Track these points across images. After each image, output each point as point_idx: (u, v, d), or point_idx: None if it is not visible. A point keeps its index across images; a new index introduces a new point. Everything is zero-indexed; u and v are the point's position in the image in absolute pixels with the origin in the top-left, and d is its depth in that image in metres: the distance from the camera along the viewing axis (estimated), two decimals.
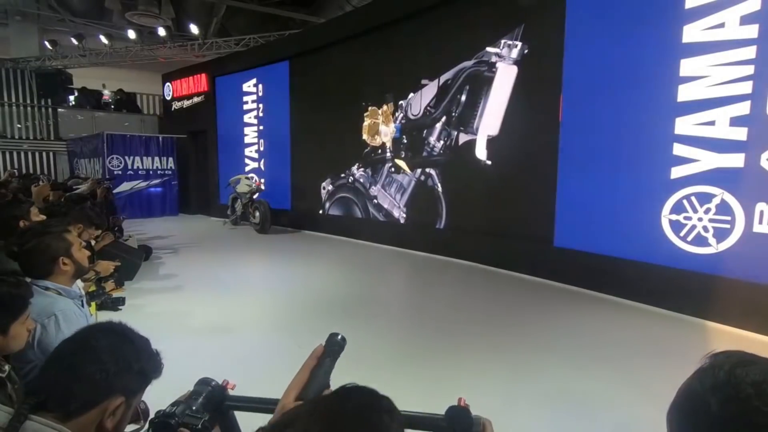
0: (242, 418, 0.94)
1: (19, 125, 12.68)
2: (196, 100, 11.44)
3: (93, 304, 3.15)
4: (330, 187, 8.34)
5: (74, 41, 12.19)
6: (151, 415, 1.85)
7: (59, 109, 13.17)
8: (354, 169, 7.87)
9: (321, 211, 8.47)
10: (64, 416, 0.85)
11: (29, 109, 12.79)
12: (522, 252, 5.39)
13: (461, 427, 0.68)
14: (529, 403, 2.50)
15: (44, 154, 12.68)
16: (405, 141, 6.98)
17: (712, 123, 3.77)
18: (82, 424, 0.86)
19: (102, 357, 0.89)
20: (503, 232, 5.61)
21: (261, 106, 9.71)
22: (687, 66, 3.88)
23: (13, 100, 12.59)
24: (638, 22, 4.21)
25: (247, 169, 10.02)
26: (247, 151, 10.13)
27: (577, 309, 4.16)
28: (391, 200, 7.18)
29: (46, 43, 12.63)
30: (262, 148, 9.84)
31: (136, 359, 0.93)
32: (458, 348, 3.28)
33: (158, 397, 2.07)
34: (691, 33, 3.84)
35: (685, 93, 3.91)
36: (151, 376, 0.99)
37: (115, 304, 3.62)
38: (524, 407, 2.46)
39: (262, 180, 9.46)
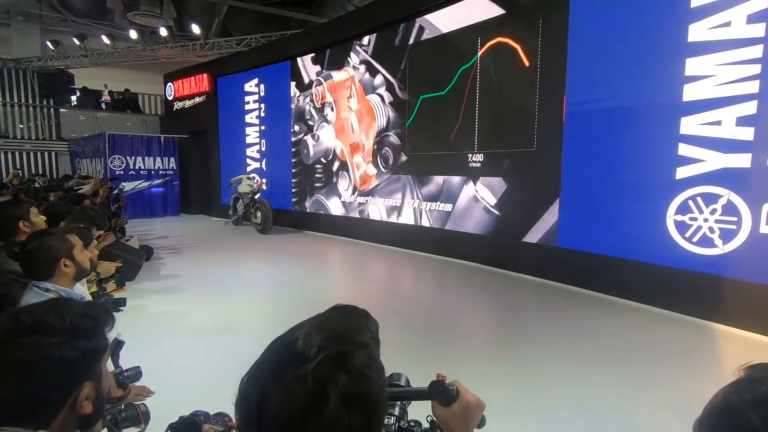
0: None
1: (21, 125, 12.68)
2: (197, 100, 11.43)
3: None
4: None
5: (76, 41, 12.18)
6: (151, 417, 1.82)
7: (61, 110, 13.18)
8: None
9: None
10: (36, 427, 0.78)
11: (31, 109, 12.79)
12: (524, 252, 5.35)
13: (441, 394, 0.84)
14: (532, 407, 2.47)
15: (46, 154, 12.69)
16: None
17: (718, 123, 3.73)
18: (58, 425, 0.81)
19: (35, 371, 0.78)
20: (505, 231, 5.58)
21: (263, 106, 9.69)
22: (692, 65, 3.85)
23: (15, 100, 12.60)
24: (642, 21, 4.18)
25: (248, 169, 10.01)
26: (249, 151, 10.12)
27: (580, 310, 4.13)
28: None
29: (48, 43, 12.62)
30: (263, 149, 9.82)
31: (68, 348, 0.81)
32: (460, 350, 3.25)
33: (161, 397, 2.05)
34: (697, 32, 3.81)
35: (690, 92, 3.88)
36: (100, 337, 0.88)
37: (117, 304, 3.56)
38: (528, 411, 2.43)
39: (264, 180, 9.45)
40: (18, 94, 12.62)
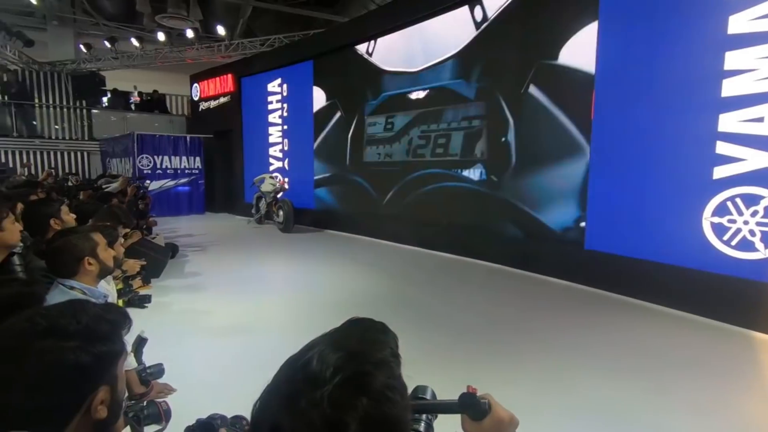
0: None
1: (56, 126, 13.19)
2: (222, 100, 11.63)
3: (121, 301, 3.19)
4: None
5: (107, 44, 12.59)
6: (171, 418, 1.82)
7: (93, 110, 13.64)
8: None
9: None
10: None
11: (65, 110, 13.29)
12: (550, 254, 5.20)
13: (472, 407, 0.79)
14: (557, 414, 2.38)
15: (79, 153, 13.15)
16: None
17: (760, 119, 3.52)
18: (72, 431, 0.78)
19: (49, 376, 0.76)
20: (531, 232, 5.44)
21: (285, 105, 9.77)
22: (732, 59, 3.64)
23: (51, 101, 13.11)
24: (679, 11, 3.98)
25: (271, 168, 10.11)
26: (272, 151, 10.22)
27: (608, 315, 3.97)
28: None
29: (81, 46, 13.08)
30: (286, 148, 9.90)
31: (83, 352, 0.79)
32: (480, 354, 3.17)
33: (182, 395, 2.05)
34: (738, 23, 3.60)
35: (730, 87, 3.67)
36: (116, 341, 0.86)
37: (142, 301, 3.66)
38: (552, 419, 2.33)
39: (286, 179, 9.52)
40: (53, 95, 13.14)
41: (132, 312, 3.38)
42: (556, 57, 5.06)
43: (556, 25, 5.08)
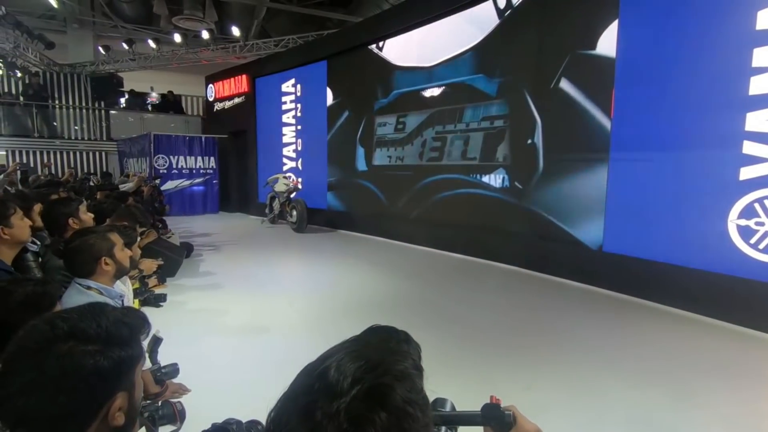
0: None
1: (75, 127, 13.45)
2: (237, 100, 11.72)
3: (136, 301, 3.21)
4: None
5: (125, 46, 12.81)
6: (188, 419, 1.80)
7: (111, 111, 13.88)
8: None
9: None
10: None
11: (84, 111, 13.54)
12: (567, 256, 5.10)
13: (495, 419, 0.78)
14: (579, 423, 2.31)
15: (97, 153, 13.39)
16: None
17: None
18: None
19: (68, 381, 0.74)
20: (548, 234, 5.34)
21: (299, 106, 9.80)
22: (761, 55, 3.51)
23: (71, 102, 13.38)
24: (704, 7, 3.86)
25: (285, 168, 10.16)
26: (285, 151, 10.26)
27: (629, 319, 3.87)
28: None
29: (100, 48, 13.34)
30: (299, 148, 9.93)
31: (102, 356, 0.78)
32: (502, 358, 3.11)
33: (196, 396, 2.03)
34: (767, 19, 3.48)
35: (758, 85, 3.54)
36: (135, 345, 0.84)
37: (157, 300, 3.66)
38: (574, 428, 2.26)
39: (300, 179, 9.55)
40: (73, 97, 13.40)
41: (147, 311, 3.39)
42: (593, 46, 4.65)
43: (593, 10, 4.67)
